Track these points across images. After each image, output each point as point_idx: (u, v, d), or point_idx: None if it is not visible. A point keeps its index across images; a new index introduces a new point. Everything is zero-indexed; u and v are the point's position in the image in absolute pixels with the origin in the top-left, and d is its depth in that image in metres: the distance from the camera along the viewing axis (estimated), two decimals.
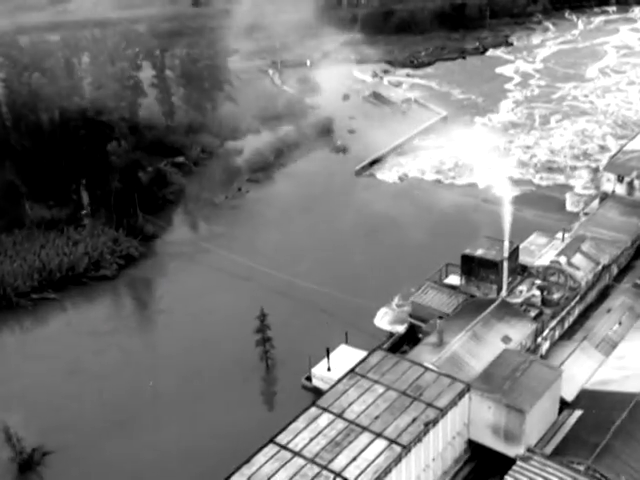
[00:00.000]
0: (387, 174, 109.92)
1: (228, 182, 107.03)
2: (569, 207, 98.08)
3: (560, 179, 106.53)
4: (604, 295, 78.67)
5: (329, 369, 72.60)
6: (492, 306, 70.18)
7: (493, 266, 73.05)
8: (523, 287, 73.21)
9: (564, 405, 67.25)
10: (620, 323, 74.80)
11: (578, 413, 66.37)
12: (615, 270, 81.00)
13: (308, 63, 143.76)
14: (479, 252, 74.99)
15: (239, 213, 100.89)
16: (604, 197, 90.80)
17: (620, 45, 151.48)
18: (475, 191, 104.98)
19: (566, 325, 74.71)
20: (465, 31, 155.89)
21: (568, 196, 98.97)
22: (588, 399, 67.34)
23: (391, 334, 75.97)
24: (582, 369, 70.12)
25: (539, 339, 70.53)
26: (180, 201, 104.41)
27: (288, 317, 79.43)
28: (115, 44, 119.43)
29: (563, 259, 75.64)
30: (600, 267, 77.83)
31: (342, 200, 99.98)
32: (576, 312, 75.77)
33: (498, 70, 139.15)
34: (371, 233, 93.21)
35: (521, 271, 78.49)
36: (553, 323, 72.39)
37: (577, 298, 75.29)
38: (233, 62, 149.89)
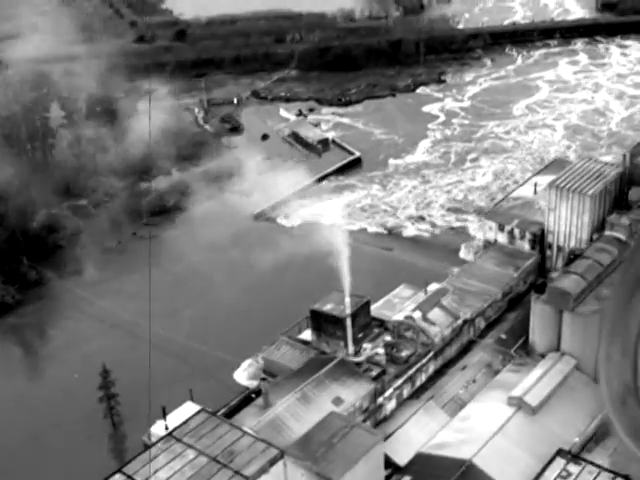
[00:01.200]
0: (287, 218, 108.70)
1: (125, 226, 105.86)
2: (463, 254, 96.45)
3: (465, 222, 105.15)
4: (466, 351, 76.96)
5: (166, 428, 70.95)
6: (329, 365, 68.67)
7: (338, 322, 71.61)
8: (368, 345, 71.59)
9: (396, 470, 65.54)
10: (474, 381, 73.10)
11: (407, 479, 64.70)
12: (482, 324, 79.24)
13: (235, 101, 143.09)
14: (327, 307, 73.62)
15: (128, 259, 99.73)
16: (487, 245, 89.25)
17: (554, 79, 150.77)
18: (367, 237, 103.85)
19: (418, 383, 72.99)
20: (401, 68, 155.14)
21: (464, 243, 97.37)
22: (421, 464, 65.77)
23: (247, 390, 74.49)
24: (423, 431, 68.48)
25: (381, 399, 68.82)
26: (73, 246, 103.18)
27: (147, 370, 77.78)
28: (25, 84, 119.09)
29: (417, 314, 74.12)
30: (460, 322, 76.15)
31: (234, 246, 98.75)
32: (430, 369, 74.04)
33: (425, 108, 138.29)
34: (258, 279, 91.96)
35: (378, 326, 76.96)
36: (399, 382, 70.69)
37: (430, 355, 73.56)
38: (161, 100, 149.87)
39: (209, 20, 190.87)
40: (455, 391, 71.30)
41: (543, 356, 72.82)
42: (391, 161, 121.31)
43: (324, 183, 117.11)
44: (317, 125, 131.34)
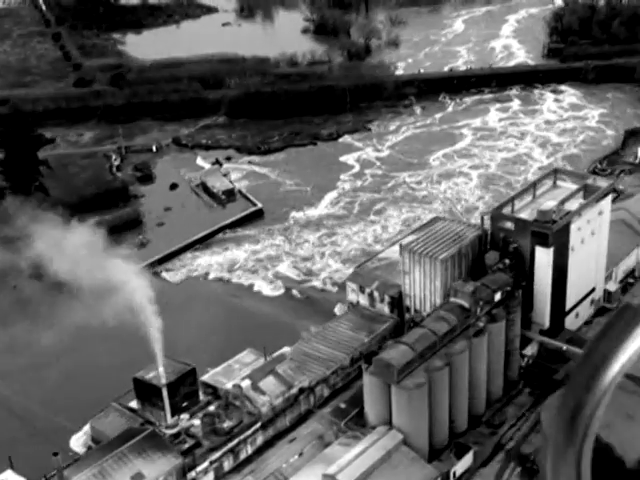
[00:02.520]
0: (174, 273, 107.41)
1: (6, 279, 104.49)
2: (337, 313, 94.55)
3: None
4: (303, 421, 75.08)
5: None
6: (136, 438, 66.84)
7: (158, 391, 69.93)
8: (186, 415, 69.78)
9: None
10: (301, 454, 71.14)
11: None
12: (326, 392, 77.38)
13: (154, 148, 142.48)
14: (149, 375, 71.95)
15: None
16: (350, 307, 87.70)
17: (480, 127, 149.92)
18: (247, 292, 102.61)
19: (242, 456, 71.11)
20: (329, 115, 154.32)
21: (339, 304, 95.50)
22: None
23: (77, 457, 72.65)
24: None
25: (193, 473, 66.94)
26: None
27: None
28: None
29: (246, 382, 72.37)
30: (295, 390, 74.35)
31: (109, 303, 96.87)
32: (258, 441, 72.18)
33: (343, 158, 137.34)
34: (116, 336, 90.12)
35: (211, 394, 75.31)
36: (217, 454, 68.85)
37: (257, 425, 71.73)
38: (81, 146, 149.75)
39: (153, 63, 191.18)
40: (278, 465, 69.32)
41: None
42: (293, 214, 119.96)
43: (220, 235, 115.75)
44: (226, 175, 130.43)
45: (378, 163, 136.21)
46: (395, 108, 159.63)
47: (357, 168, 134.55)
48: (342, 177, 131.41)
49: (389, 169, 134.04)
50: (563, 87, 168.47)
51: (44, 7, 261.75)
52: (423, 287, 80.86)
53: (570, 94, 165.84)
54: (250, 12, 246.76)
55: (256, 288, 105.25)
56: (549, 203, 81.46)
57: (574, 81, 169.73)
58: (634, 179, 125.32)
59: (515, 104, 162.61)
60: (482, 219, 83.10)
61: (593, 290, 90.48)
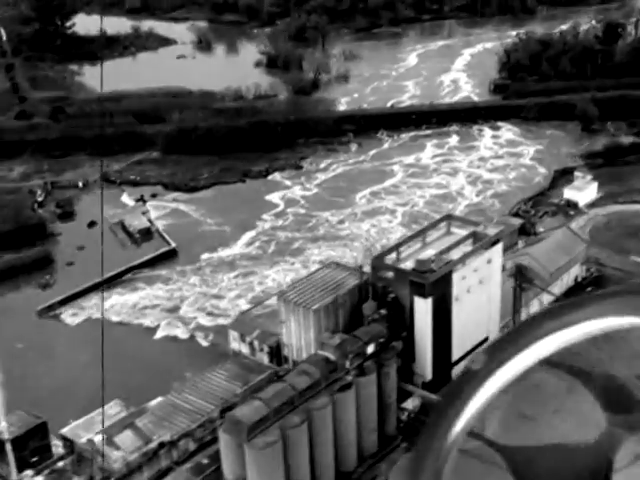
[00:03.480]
0: (74, 315, 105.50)
1: None
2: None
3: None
4: (163, 477, 72.89)
5: None
6: None
7: (2, 445, 67.86)
8: (30, 471, 67.65)
9: None
10: None
11: None
12: (191, 446, 75.19)
13: (81, 184, 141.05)
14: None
15: None
16: (232, 356, 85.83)
17: (413, 163, 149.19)
18: (150, 337, 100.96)
19: None
20: (263, 152, 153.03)
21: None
22: None
23: None
24: None
25: None
26: None
27: None
28: None
29: (99, 437, 70.25)
30: (154, 445, 72.18)
31: None
32: None
33: (269, 197, 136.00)
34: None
35: (68, 447, 73.21)
36: None
37: None
38: (8, 181, 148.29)
39: (99, 96, 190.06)
40: None
41: None
42: (206, 254, 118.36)
43: (129, 276, 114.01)
44: (145, 213, 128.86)
45: (303, 201, 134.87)
46: (331, 145, 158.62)
47: (281, 207, 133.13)
48: (264, 216, 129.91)
49: (313, 207, 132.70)
50: (503, 124, 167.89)
51: (4, 37, 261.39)
52: (299, 337, 79.13)
53: (509, 131, 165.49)
54: (208, 45, 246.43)
55: (159, 332, 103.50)
56: (428, 252, 79.98)
57: (516, 118, 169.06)
58: (555, 221, 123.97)
59: (453, 140, 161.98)
60: (360, 268, 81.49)
61: (486, 340, 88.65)
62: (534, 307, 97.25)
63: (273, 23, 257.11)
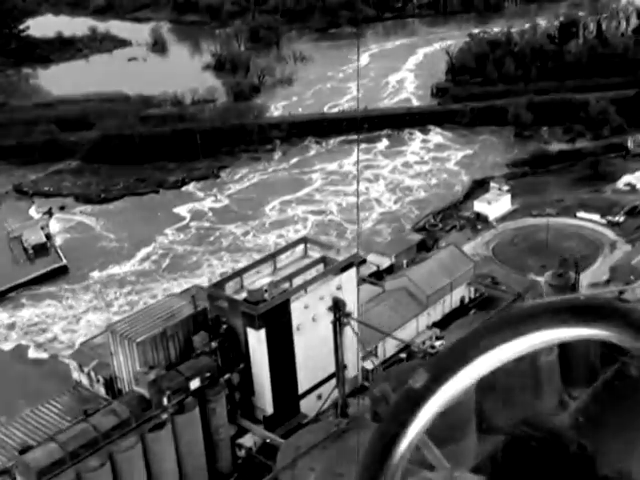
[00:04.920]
0: None
1: None
2: None
3: None
4: None
5: None
6: None
7: None
8: None
9: None
10: None
11: None
12: None
13: None
14: None
15: None
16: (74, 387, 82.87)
17: (334, 171, 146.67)
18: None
19: None
20: (182, 161, 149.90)
21: None
22: None
23: None
24: None
25: None
26: None
27: None
28: None
29: None
30: None
31: None
32: None
33: (177, 209, 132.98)
34: None
35: None
36: None
37: None
38: None
39: (34, 103, 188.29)
40: None
41: None
42: (96, 273, 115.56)
43: (13, 294, 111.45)
44: (44, 228, 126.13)
45: (210, 214, 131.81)
46: (256, 153, 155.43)
47: (187, 220, 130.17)
48: (166, 230, 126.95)
49: (219, 220, 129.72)
50: (437, 129, 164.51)
51: None
52: (128, 371, 76.14)
53: (440, 136, 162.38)
54: (162, 47, 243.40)
55: (30, 353, 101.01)
56: (261, 281, 76.82)
57: (451, 123, 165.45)
58: (461, 236, 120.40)
59: (381, 146, 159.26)
60: (193, 298, 78.34)
61: (345, 368, 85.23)
62: (408, 330, 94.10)
63: (233, 23, 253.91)
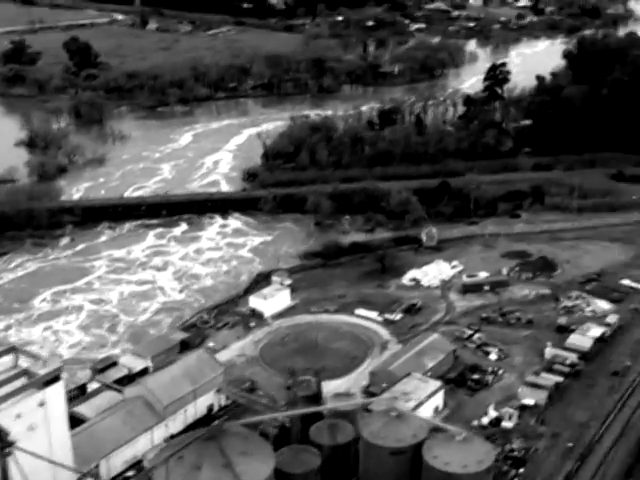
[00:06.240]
0: None
1: None
2: None
3: None
4: None
5: None
6: None
7: None
8: None
9: None
10: None
11: None
12: None
13: None
14: None
15: None
16: None
17: (121, 257, 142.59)
18: None
19: None
20: None
21: None
22: None
23: None
24: None
25: None
26: None
27: None
28: None
29: None
30: None
31: None
32: None
33: None
34: None
35: None
36: None
37: None
38: None
39: None
40: None
41: None
42: None
43: None
44: None
45: None
46: (42, 239, 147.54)
47: None
48: None
49: None
50: (238, 215, 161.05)
51: None
52: None
53: (240, 222, 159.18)
54: None
55: None
56: None
57: (253, 210, 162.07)
58: (232, 334, 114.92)
59: (178, 231, 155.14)
60: None
61: None
62: (141, 443, 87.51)
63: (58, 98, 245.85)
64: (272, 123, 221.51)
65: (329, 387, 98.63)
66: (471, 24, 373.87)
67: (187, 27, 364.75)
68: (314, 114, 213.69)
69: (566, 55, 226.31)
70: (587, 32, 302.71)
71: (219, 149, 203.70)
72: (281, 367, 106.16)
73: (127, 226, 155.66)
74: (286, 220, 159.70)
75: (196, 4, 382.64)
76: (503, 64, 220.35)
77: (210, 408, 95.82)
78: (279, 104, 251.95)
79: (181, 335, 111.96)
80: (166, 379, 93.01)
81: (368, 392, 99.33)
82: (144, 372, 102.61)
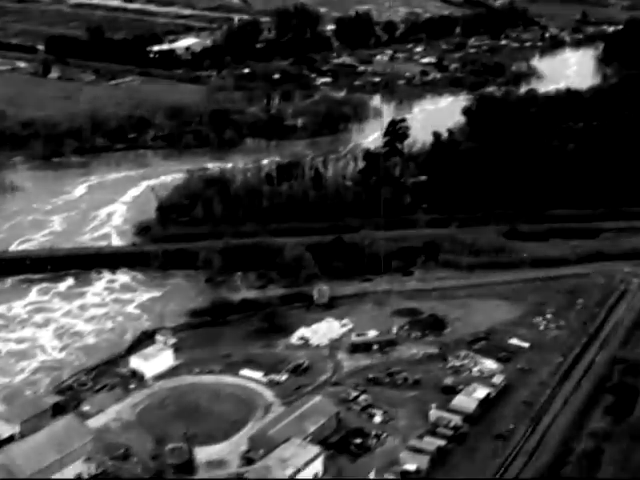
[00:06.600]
0: None
1: None
2: None
3: None
4: None
5: None
6: None
7: None
8: None
9: None
10: None
11: None
12: None
13: None
14: None
15: None
16: None
17: (1, 313, 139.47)
18: None
19: None
20: None
21: None
22: None
23: None
24: None
25: None
26: None
27: None
28: None
29: None
30: None
31: None
32: None
33: None
34: None
35: None
36: None
37: None
38: None
39: None
40: None
41: None
42: None
43: None
44: None
45: None
46: None
47: None
48: None
49: None
50: (127, 270, 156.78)
51: None
52: None
53: (128, 277, 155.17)
54: None
55: None
56: None
57: (143, 266, 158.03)
58: (110, 397, 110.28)
59: (64, 286, 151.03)
60: None
61: None
62: None
63: None
64: (170, 175, 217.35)
65: (206, 453, 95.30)
66: (377, 79, 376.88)
67: (90, 76, 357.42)
68: (213, 167, 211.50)
69: (465, 112, 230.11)
70: (489, 89, 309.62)
71: (114, 201, 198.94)
72: (158, 432, 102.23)
73: (9, 281, 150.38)
74: (177, 276, 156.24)
75: (102, 53, 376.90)
76: (403, 119, 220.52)
77: (78, 478, 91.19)
78: (180, 156, 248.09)
79: (55, 398, 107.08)
80: (30, 447, 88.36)
81: (247, 458, 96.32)
82: (10, 439, 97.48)
